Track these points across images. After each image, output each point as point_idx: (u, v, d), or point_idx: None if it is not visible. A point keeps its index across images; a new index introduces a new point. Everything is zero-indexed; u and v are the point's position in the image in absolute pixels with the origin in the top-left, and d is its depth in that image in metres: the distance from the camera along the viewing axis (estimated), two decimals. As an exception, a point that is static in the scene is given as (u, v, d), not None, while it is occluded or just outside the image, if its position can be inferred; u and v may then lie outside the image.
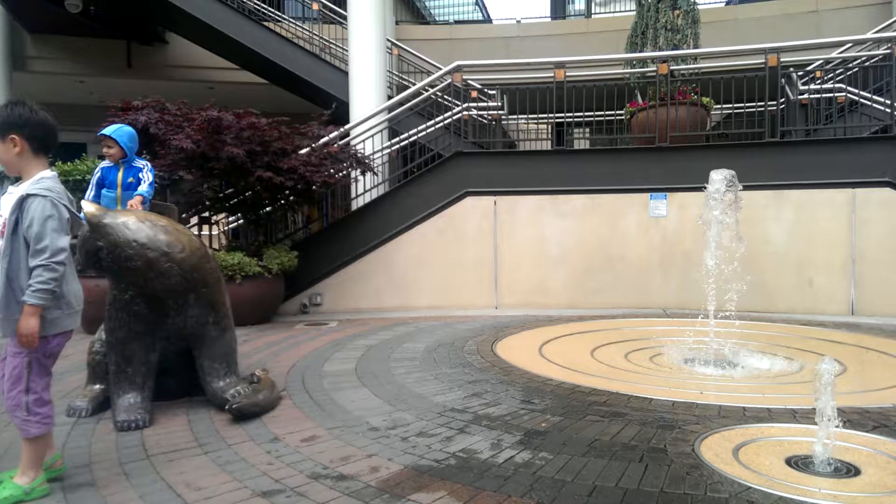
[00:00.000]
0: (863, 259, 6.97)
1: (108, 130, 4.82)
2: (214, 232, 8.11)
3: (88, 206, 3.08)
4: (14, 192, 2.34)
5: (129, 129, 4.96)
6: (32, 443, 2.35)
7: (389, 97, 9.53)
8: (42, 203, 2.28)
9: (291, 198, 7.44)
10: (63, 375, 4.31)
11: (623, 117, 8.37)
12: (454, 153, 7.97)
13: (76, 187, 7.05)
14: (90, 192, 4.95)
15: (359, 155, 7.65)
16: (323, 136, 7.36)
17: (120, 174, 4.91)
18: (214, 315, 3.48)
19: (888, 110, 7.51)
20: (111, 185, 4.93)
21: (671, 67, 7.80)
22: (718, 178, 4.84)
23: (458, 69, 8.25)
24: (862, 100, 8.30)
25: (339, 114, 8.82)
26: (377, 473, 2.50)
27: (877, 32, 9.64)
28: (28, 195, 2.29)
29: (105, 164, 5.00)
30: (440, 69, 9.05)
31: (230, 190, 7.10)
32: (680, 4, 8.32)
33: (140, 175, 4.92)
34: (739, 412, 3.25)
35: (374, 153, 8.24)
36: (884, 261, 6.90)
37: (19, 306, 2.25)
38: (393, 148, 8.68)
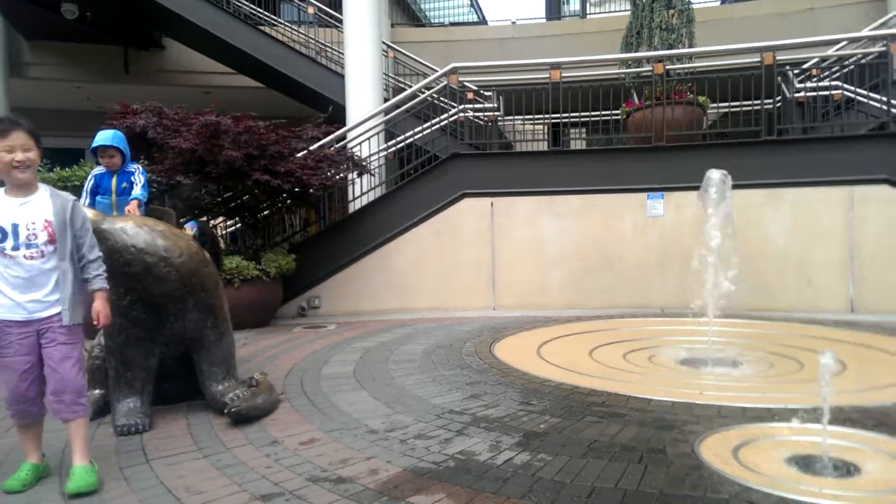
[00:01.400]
0: (862, 256, 6.97)
1: (106, 141, 4.77)
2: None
3: (86, 212, 3.08)
4: (33, 201, 2.52)
5: (119, 132, 4.93)
6: (87, 422, 2.62)
7: (385, 99, 9.53)
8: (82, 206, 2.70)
9: (289, 201, 7.44)
10: (61, 381, 4.30)
11: (619, 117, 8.37)
12: (451, 155, 7.98)
13: (74, 193, 7.03)
14: (85, 200, 4.91)
15: (355, 157, 7.65)
16: (319, 139, 7.36)
17: (114, 180, 4.88)
18: (213, 319, 3.48)
19: (884, 107, 7.52)
20: (105, 192, 4.89)
21: (667, 67, 7.81)
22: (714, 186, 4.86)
23: (453, 71, 8.26)
24: (858, 97, 8.31)
25: (336, 117, 8.83)
26: (376, 476, 2.50)
27: (872, 30, 9.66)
28: (74, 200, 2.62)
29: (97, 171, 4.95)
30: (436, 71, 9.07)
31: (228, 194, 7.10)
32: (674, 4, 8.33)
33: (132, 179, 4.89)
34: (739, 412, 3.24)
35: (370, 155, 8.24)
36: (883, 258, 6.90)
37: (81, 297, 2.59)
38: (390, 150, 8.69)
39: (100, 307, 2.60)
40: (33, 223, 2.47)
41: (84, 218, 2.63)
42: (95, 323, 2.61)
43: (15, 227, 2.45)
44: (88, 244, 2.61)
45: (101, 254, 2.67)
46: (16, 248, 2.44)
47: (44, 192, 2.55)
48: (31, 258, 2.46)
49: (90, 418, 3.33)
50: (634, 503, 2.19)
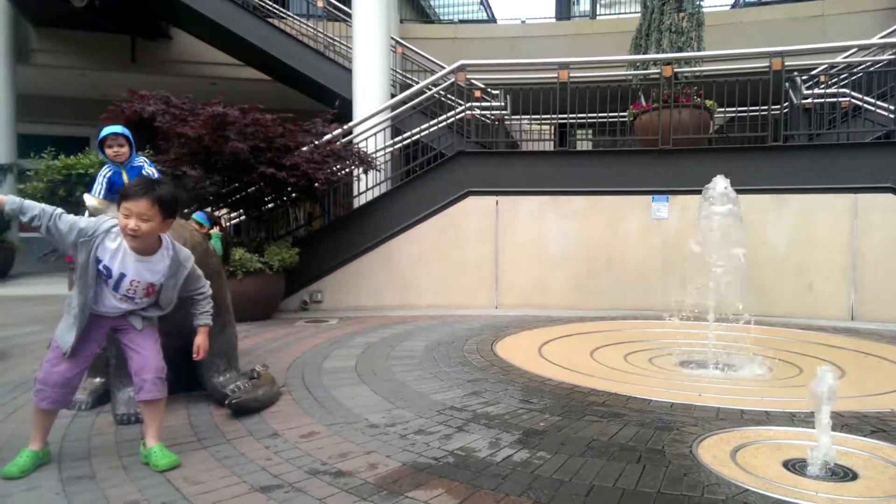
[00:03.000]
0: (863, 264, 6.96)
1: (116, 129, 4.78)
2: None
3: (90, 200, 3.10)
4: (151, 262, 2.59)
5: (125, 127, 4.94)
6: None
7: (393, 95, 9.53)
8: None
9: (294, 194, 7.45)
10: (63, 368, 4.32)
11: (626, 119, 8.36)
12: (456, 152, 7.97)
13: (78, 181, 7.05)
14: (97, 188, 4.90)
15: (361, 152, 7.65)
16: (326, 134, 7.36)
17: (125, 178, 4.88)
18: (215, 310, 3.47)
19: (892, 116, 7.50)
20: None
21: (675, 70, 7.79)
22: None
23: (461, 68, 8.25)
24: (866, 105, 8.29)
25: (343, 111, 8.84)
26: (375, 470, 2.51)
27: (882, 38, 9.63)
28: (193, 261, 2.79)
29: (106, 171, 4.94)
30: (444, 68, 9.06)
31: (234, 185, 7.10)
32: (685, 7, 8.31)
33: (143, 172, 4.89)
34: (738, 415, 3.25)
35: (376, 151, 8.24)
36: (885, 266, 6.89)
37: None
38: (395, 146, 8.68)
39: (201, 342, 2.83)
40: (138, 282, 2.56)
41: (198, 274, 2.80)
42: (195, 356, 2.82)
43: (122, 276, 2.53)
44: (199, 289, 2.83)
45: (210, 291, 2.87)
46: (115, 289, 2.56)
47: (164, 254, 2.61)
48: (124, 301, 2.59)
49: (90, 407, 3.37)
50: (632, 503, 2.20)
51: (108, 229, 2.51)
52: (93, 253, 2.48)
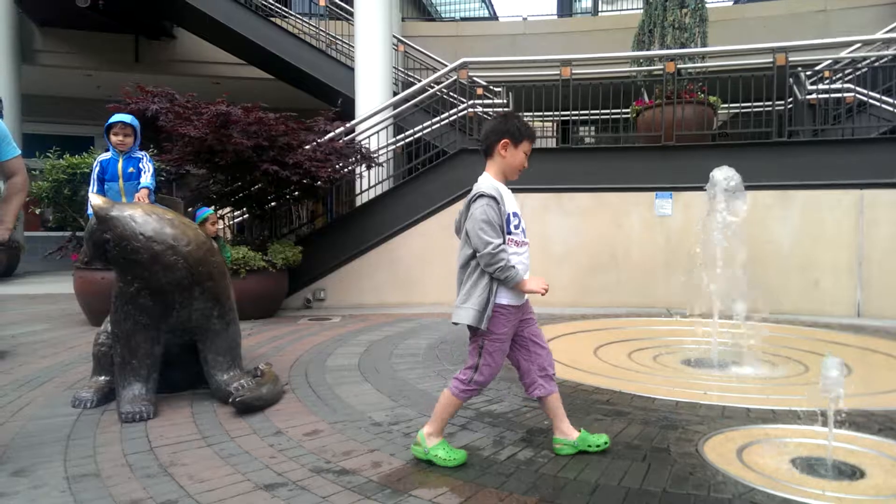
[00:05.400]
0: (870, 261, 6.93)
1: (125, 117, 4.82)
2: (220, 226, 8.14)
3: (96, 199, 3.11)
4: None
5: (135, 118, 4.98)
6: None
7: (395, 93, 9.52)
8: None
9: (297, 193, 7.45)
10: (69, 366, 4.34)
11: (629, 116, 8.34)
12: (459, 150, 7.96)
13: (83, 180, 7.06)
14: (93, 187, 4.94)
15: (364, 149, 7.65)
16: (329, 132, 7.36)
17: (120, 165, 4.90)
18: (219, 309, 3.49)
19: (896, 111, 7.47)
20: (112, 177, 4.91)
21: (678, 66, 7.76)
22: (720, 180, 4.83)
23: (463, 66, 8.23)
24: (870, 100, 8.25)
25: (345, 110, 8.84)
26: (379, 468, 2.50)
27: (886, 32, 9.57)
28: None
29: (103, 157, 4.99)
30: (446, 66, 9.04)
31: (237, 184, 7.11)
32: (688, 3, 8.27)
33: (140, 165, 4.91)
34: (743, 413, 3.24)
35: (379, 149, 8.23)
36: (891, 263, 6.85)
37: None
38: (398, 144, 8.67)
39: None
40: (517, 214, 2.65)
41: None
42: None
43: (517, 215, 2.65)
44: None
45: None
46: (524, 234, 2.66)
47: None
48: (523, 245, 2.64)
49: (95, 405, 3.38)
50: (637, 501, 2.19)
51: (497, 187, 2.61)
52: (504, 212, 2.56)
